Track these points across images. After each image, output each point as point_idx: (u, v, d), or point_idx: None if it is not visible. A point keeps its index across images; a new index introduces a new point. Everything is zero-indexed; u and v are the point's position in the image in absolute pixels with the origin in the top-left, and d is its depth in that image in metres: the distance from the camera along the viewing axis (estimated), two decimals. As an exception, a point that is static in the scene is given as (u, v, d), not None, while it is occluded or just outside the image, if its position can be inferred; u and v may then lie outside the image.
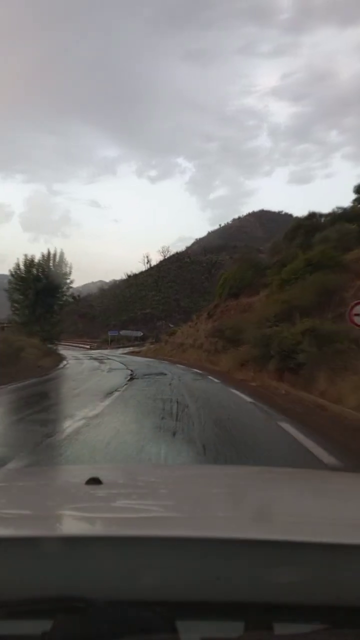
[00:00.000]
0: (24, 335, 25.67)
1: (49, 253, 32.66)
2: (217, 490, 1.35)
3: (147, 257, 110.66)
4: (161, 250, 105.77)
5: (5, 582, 0.72)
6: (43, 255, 32.65)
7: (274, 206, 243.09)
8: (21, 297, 31.75)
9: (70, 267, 33.23)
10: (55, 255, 32.65)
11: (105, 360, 29.13)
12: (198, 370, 19.34)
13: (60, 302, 33.65)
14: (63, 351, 35.08)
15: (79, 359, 31.32)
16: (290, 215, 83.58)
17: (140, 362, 26.59)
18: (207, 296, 78.52)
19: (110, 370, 21.00)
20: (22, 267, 32.22)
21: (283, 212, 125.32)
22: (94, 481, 1.16)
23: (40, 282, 31.50)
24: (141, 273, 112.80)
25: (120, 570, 0.73)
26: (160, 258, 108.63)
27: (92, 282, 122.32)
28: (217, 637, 0.70)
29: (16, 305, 32.20)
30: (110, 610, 0.68)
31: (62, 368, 23.51)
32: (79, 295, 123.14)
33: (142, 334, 72.55)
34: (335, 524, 0.97)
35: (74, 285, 36.53)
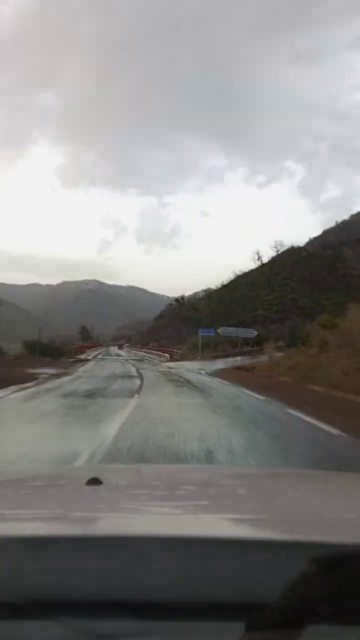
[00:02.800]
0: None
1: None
2: (218, 491, 1.34)
3: (257, 253, 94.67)
4: (274, 244, 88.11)
5: (5, 582, 0.71)
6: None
7: None
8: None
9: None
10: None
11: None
12: None
13: None
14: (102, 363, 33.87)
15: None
16: None
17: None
18: (332, 294, 62.13)
19: None
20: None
21: None
22: (94, 481, 1.15)
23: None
24: (251, 271, 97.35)
25: (120, 571, 0.72)
26: (273, 254, 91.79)
27: (202, 291, 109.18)
28: (218, 637, 0.69)
29: None
30: (109, 611, 0.67)
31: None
32: (182, 298, 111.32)
33: (255, 333, 46.07)
34: (335, 523, 0.96)
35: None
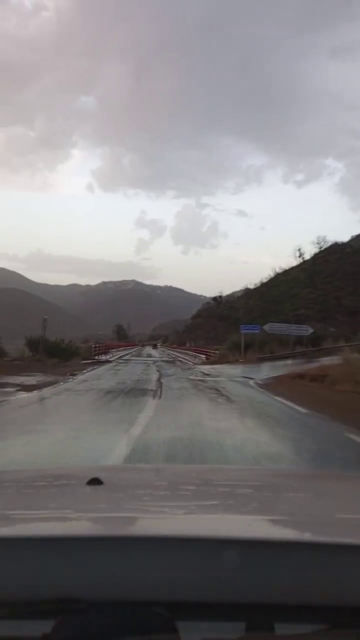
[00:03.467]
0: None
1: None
2: (218, 491, 1.34)
3: (299, 249, 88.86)
4: (317, 240, 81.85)
5: (5, 582, 0.70)
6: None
7: None
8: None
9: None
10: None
11: None
12: None
13: None
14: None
15: None
16: None
17: None
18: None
19: None
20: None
21: None
22: (95, 481, 1.15)
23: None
24: (292, 268, 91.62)
25: (120, 571, 0.72)
26: (315, 250, 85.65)
27: (240, 290, 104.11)
28: (218, 637, 0.69)
29: None
30: (110, 611, 0.67)
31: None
32: (220, 297, 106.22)
33: (311, 331, 37.59)
34: (336, 524, 0.95)
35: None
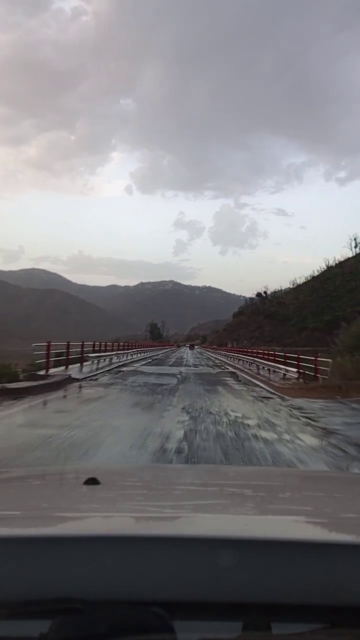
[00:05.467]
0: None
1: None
2: (215, 490, 1.33)
3: (355, 239, 76.38)
4: None
5: (2, 582, 0.70)
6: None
7: None
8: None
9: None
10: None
11: None
12: None
13: None
14: None
15: None
16: None
17: None
18: None
19: None
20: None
21: None
22: (92, 481, 1.13)
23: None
24: (347, 260, 79.24)
25: (118, 571, 0.71)
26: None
27: (289, 284, 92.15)
28: (215, 637, 0.68)
29: None
30: (108, 611, 0.66)
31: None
32: (265, 293, 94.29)
33: None
34: (335, 523, 0.94)
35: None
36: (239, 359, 32.26)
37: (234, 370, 24.12)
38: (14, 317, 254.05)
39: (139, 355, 36.34)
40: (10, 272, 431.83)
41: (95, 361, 21.08)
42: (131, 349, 37.29)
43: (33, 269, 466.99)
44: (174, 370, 22.56)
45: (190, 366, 27.89)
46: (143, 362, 28.60)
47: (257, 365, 24.13)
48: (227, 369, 26.59)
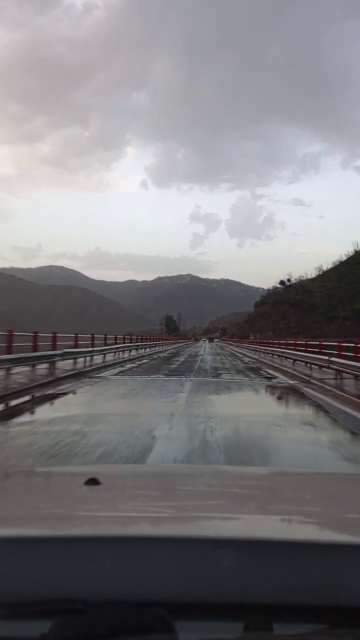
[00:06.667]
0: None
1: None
2: (216, 491, 1.31)
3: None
4: None
5: (2, 582, 0.70)
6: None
7: None
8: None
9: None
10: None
11: None
12: None
13: None
14: None
15: None
16: None
17: None
18: None
19: None
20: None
21: None
22: (93, 482, 1.13)
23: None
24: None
25: (119, 571, 0.71)
26: None
27: (315, 270, 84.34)
28: (216, 637, 0.68)
29: None
30: (108, 611, 0.66)
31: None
32: (289, 280, 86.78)
33: None
34: (335, 523, 0.94)
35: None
36: (278, 356, 23.56)
37: (295, 384, 13.34)
38: (31, 314, 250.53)
39: (138, 352, 27.66)
40: (28, 269, 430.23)
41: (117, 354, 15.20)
42: (140, 342, 30.76)
43: (50, 266, 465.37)
44: (172, 386, 12.73)
45: (207, 372, 17.49)
46: (129, 365, 19.59)
47: (336, 370, 14.10)
48: (274, 376, 16.16)
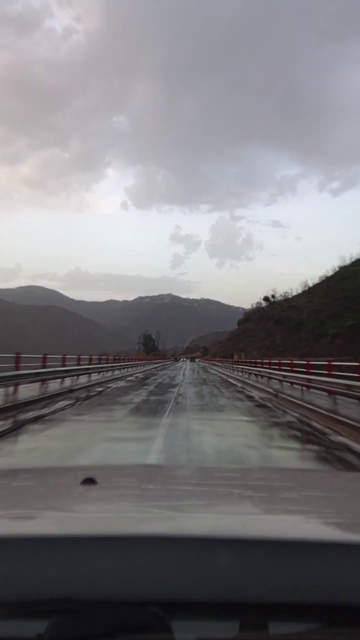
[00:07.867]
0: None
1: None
2: (213, 490, 1.31)
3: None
4: None
5: (1, 582, 0.69)
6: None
7: None
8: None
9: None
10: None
11: None
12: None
13: None
14: None
15: None
16: None
17: None
18: None
19: None
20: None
21: None
22: (89, 481, 1.14)
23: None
24: (367, 256, 67.46)
25: (116, 570, 0.70)
26: None
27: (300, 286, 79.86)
28: (213, 636, 0.68)
29: None
30: (105, 611, 0.66)
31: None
32: (273, 296, 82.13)
33: None
34: (330, 522, 0.94)
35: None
36: (279, 380, 17.12)
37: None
38: (7, 335, 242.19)
39: (90, 378, 19.80)
40: (7, 290, 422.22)
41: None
42: (105, 364, 24.02)
43: (30, 287, 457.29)
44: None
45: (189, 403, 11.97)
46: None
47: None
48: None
